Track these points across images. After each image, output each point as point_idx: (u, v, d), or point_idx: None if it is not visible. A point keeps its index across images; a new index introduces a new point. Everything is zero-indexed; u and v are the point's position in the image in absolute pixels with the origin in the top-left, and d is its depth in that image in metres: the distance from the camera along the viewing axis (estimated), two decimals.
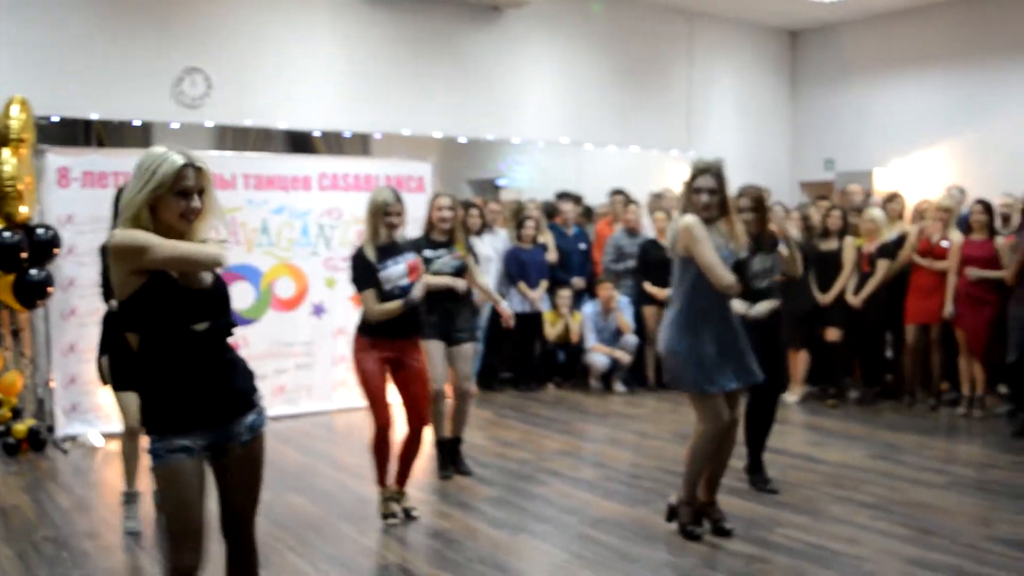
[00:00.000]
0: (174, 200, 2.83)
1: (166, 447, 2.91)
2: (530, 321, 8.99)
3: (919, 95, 11.50)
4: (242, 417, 3.04)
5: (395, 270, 4.99)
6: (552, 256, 9.18)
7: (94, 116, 8.01)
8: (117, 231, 2.83)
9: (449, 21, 10.08)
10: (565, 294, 9.07)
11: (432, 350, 5.85)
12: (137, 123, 8.20)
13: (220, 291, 3.03)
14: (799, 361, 8.35)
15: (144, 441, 2.98)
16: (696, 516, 4.88)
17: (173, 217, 2.84)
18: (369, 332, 5.07)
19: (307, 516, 5.27)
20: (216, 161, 7.49)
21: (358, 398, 6.35)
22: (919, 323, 8.04)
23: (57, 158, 7.05)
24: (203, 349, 2.95)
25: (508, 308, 5.83)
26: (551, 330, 9.10)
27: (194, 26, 8.60)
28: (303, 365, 8.00)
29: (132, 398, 4.78)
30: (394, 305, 4.97)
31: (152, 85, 8.30)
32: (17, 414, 7.12)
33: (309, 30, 9.27)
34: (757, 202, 5.48)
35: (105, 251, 4.79)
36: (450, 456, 6.16)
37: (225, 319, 3.02)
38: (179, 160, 2.83)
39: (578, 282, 9.24)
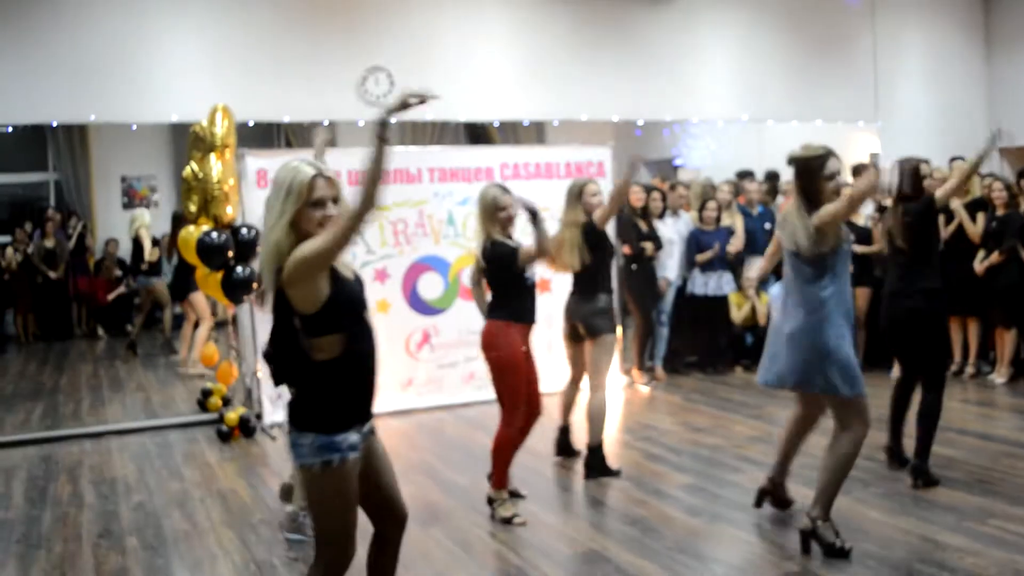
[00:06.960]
0: (310, 211, 2.89)
1: (344, 442, 2.93)
2: (716, 304, 8.87)
3: None
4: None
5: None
6: (738, 239, 8.98)
7: (286, 119, 8.39)
8: (290, 258, 2.83)
9: (622, 4, 10.03)
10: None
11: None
12: (325, 123, 8.53)
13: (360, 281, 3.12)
14: (1007, 340, 7.92)
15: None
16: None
17: (313, 228, 2.88)
18: (515, 316, 5.02)
19: None
20: (403, 156, 7.86)
21: (549, 384, 6.38)
22: None
23: (255, 161, 7.43)
24: (373, 338, 3.07)
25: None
26: (737, 313, 8.94)
27: (376, 27, 8.89)
28: None
29: None
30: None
31: (338, 86, 8.62)
32: (227, 403, 7.60)
33: (484, 23, 9.44)
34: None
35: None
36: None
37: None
38: (309, 172, 2.90)
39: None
